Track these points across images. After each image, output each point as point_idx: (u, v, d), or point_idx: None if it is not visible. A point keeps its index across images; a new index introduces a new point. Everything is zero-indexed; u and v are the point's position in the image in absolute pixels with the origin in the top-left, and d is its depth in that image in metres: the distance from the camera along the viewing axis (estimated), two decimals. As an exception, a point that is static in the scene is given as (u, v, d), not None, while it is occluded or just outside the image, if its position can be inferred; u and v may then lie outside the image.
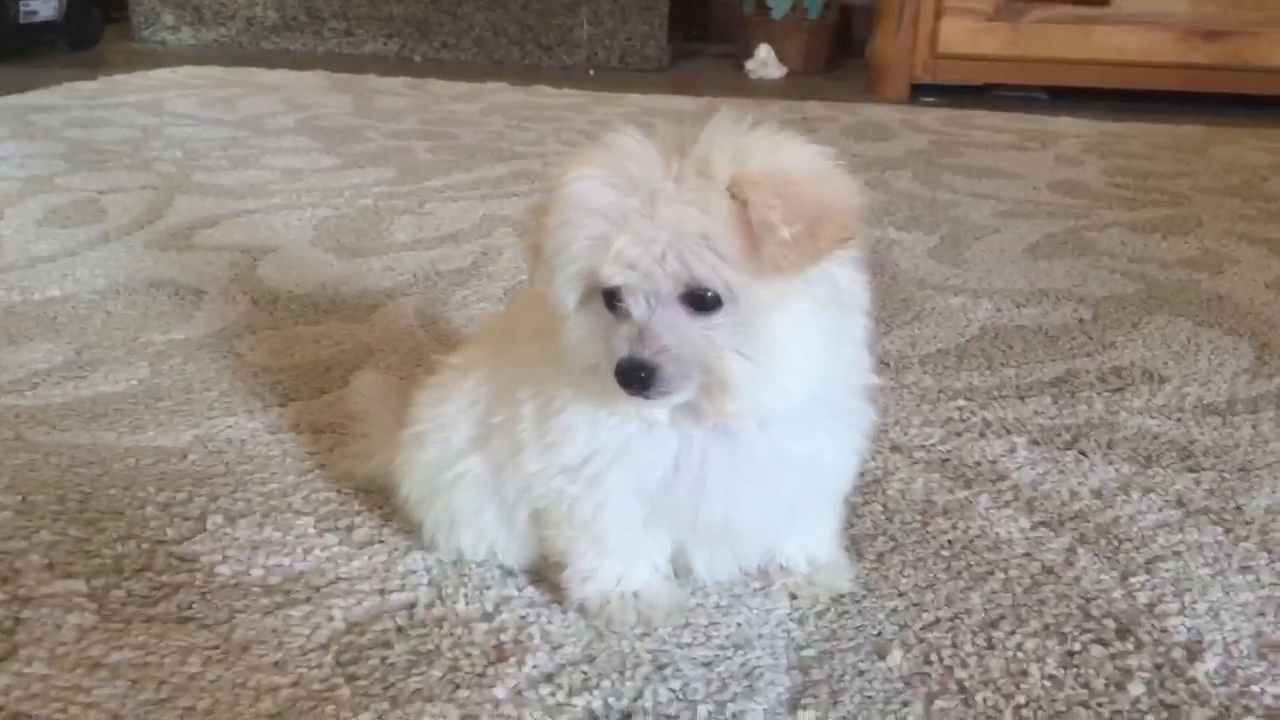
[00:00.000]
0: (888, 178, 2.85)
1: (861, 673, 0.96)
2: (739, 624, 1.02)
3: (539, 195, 0.93)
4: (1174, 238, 2.34)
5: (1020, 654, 0.98)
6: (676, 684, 0.94)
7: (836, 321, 0.92)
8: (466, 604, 1.04)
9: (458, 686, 0.93)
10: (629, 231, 0.83)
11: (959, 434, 1.41)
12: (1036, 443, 1.39)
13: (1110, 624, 1.03)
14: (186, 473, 1.27)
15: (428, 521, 1.10)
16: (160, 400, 1.45)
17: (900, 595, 1.07)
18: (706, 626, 1.02)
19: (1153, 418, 1.47)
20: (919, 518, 1.21)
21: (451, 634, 0.99)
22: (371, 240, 2.18)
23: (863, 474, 1.27)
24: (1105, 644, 1.00)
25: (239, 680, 0.92)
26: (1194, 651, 0.99)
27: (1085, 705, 0.92)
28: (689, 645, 0.99)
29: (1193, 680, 0.95)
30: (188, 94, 3.81)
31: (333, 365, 1.57)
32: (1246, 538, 1.18)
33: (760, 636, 1.01)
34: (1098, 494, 1.27)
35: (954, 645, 0.99)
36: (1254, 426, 1.44)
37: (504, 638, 0.99)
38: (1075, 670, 0.96)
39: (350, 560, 1.10)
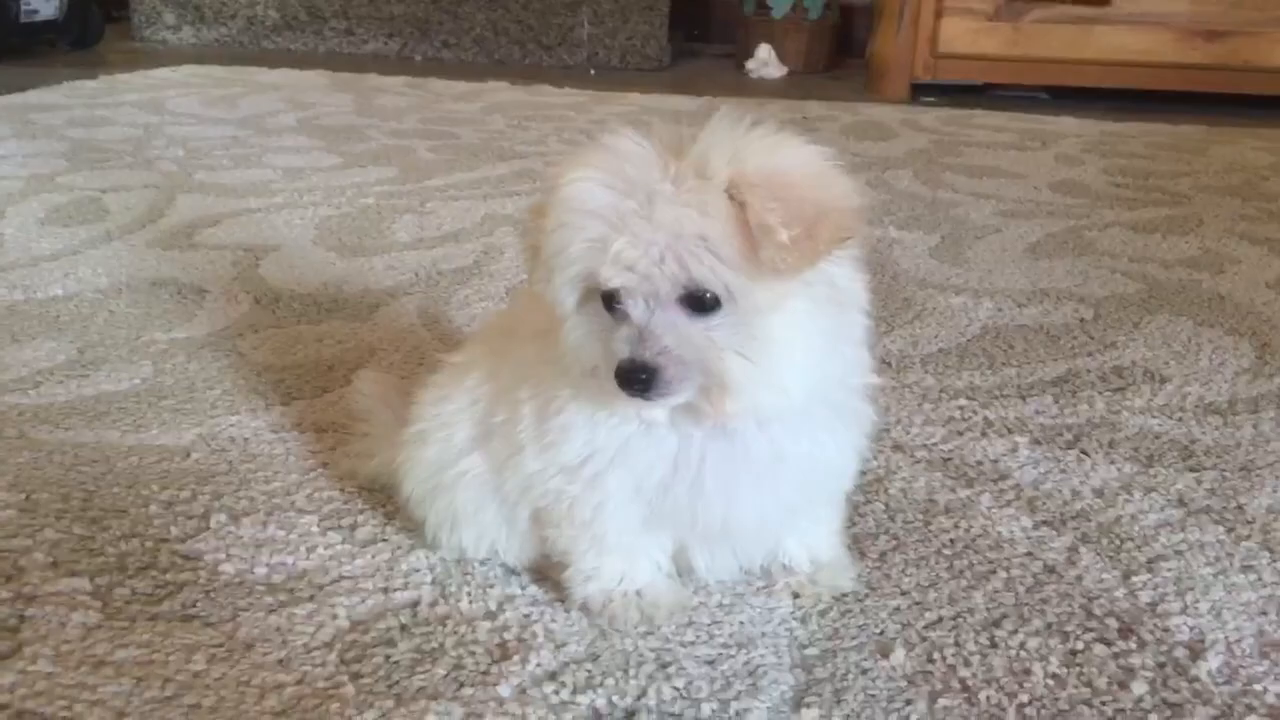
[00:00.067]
0: (888, 177, 2.85)
1: (865, 671, 0.96)
2: (742, 622, 1.02)
3: (537, 196, 0.92)
4: (1175, 237, 2.34)
5: (1023, 653, 0.98)
6: (680, 682, 0.94)
7: (835, 321, 0.92)
8: (470, 602, 1.04)
9: (462, 685, 0.93)
10: (627, 233, 0.84)
11: (961, 433, 1.41)
12: (1038, 442, 1.39)
13: (1113, 623, 1.03)
14: (190, 471, 1.27)
15: (430, 520, 1.10)
16: (163, 399, 1.45)
17: (903, 594, 1.07)
18: (709, 625, 1.02)
19: (1154, 417, 1.47)
20: (921, 517, 1.21)
21: (455, 632, 1.00)
22: (373, 239, 2.18)
23: (865, 473, 1.28)
24: (1108, 643, 1.00)
25: (244, 678, 0.93)
26: (1196, 650, 0.99)
27: (1088, 704, 0.92)
28: (692, 644, 0.99)
29: (1195, 679, 0.95)
30: (189, 93, 3.81)
31: (335, 364, 1.58)
32: (1248, 537, 1.18)
33: (763, 635, 1.01)
34: (1099, 493, 1.27)
35: (957, 644, 1.00)
36: (1255, 426, 1.45)
37: (508, 636, 0.99)
38: (1078, 669, 0.96)
39: (354, 558, 1.11)
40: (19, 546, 1.10)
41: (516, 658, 0.96)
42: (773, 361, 0.87)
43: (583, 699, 0.92)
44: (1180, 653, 0.99)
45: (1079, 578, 1.10)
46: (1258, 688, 0.95)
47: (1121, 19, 4.04)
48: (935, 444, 1.38)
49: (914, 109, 3.99)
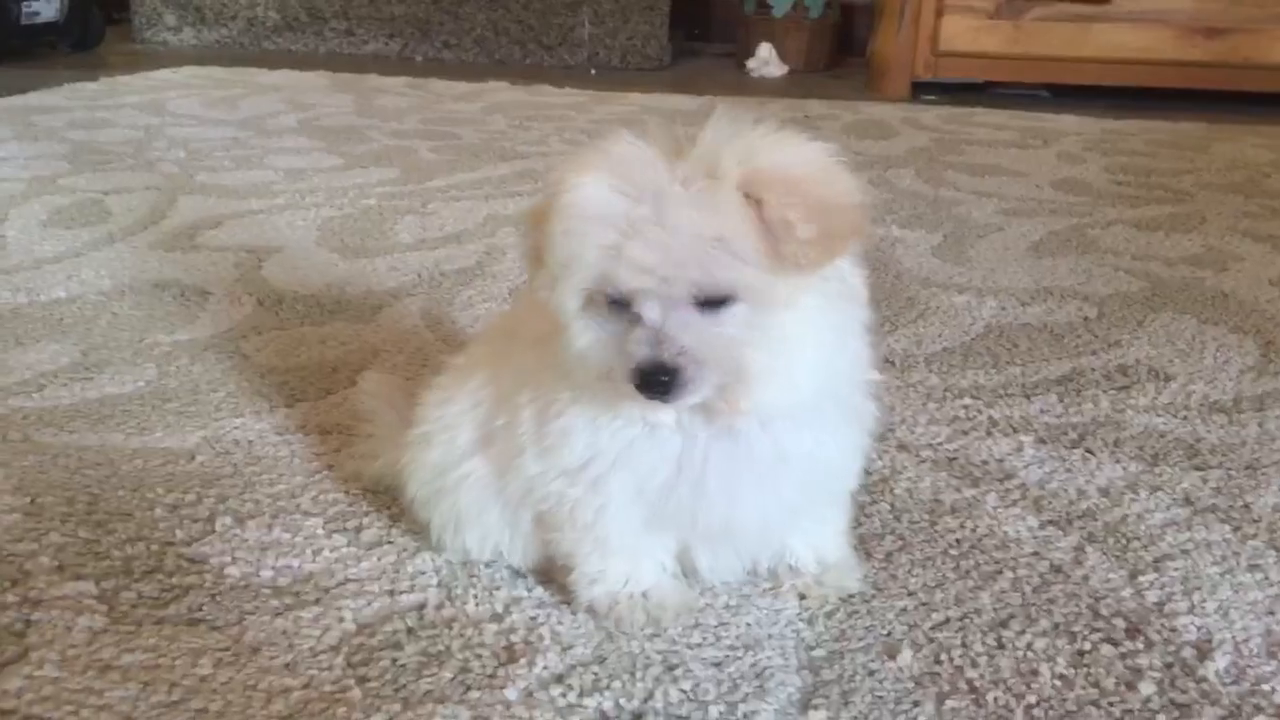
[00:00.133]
0: (890, 176, 2.85)
1: (872, 673, 0.96)
2: (748, 624, 1.02)
3: (536, 199, 0.91)
4: (1177, 235, 2.34)
5: (1030, 653, 0.98)
6: (687, 684, 0.94)
7: (843, 316, 0.92)
8: (476, 605, 1.04)
9: (469, 688, 0.93)
10: (642, 237, 0.83)
11: (965, 433, 1.41)
12: (1043, 441, 1.39)
13: (1120, 623, 1.03)
14: (195, 474, 1.27)
15: (434, 522, 1.10)
16: (167, 401, 1.45)
17: (909, 595, 1.07)
18: (716, 627, 1.02)
19: (1159, 416, 1.47)
20: (927, 517, 1.21)
21: (462, 635, 1.00)
22: (375, 240, 2.18)
23: (870, 473, 1.28)
24: (1115, 643, 1.00)
25: (250, 682, 0.93)
26: (1204, 650, 0.99)
27: (1096, 705, 0.92)
28: (699, 646, 0.99)
29: (1203, 679, 0.95)
30: (190, 94, 3.81)
31: (339, 366, 1.57)
32: (1254, 536, 1.18)
33: (770, 637, 1.01)
34: (1105, 492, 1.27)
35: (964, 645, 0.99)
36: (1260, 424, 1.45)
37: (514, 639, 0.99)
38: (1086, 669, 0.96)
39: (359, 561, 1.11)
40: (24, 550, 1.10)
41: (523, 660, 0.96)
42: (789, 357, 0.88)
43: (590, 702, 0.91)
44: (1188, 653, 0.99)
45: (1085, 578, 1.10)
46: (1266, 687, 0.95)
47: (1122, 16, 4.04)
48: (940, 443, 1.38)
49: (915, 107, 3.99)
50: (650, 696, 0.92)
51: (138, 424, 1.39)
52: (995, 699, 0.93)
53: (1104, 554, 1.14)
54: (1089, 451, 1.36)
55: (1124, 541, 1.16)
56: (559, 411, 0.96)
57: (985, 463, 1.33)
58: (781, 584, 1.07)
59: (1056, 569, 1.11)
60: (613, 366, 0.88)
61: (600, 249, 0.84)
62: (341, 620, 1.01)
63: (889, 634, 1.01)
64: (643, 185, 0.84)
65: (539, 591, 1.06)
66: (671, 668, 0.96)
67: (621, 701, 0.92)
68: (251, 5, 5.17)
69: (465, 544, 1.09)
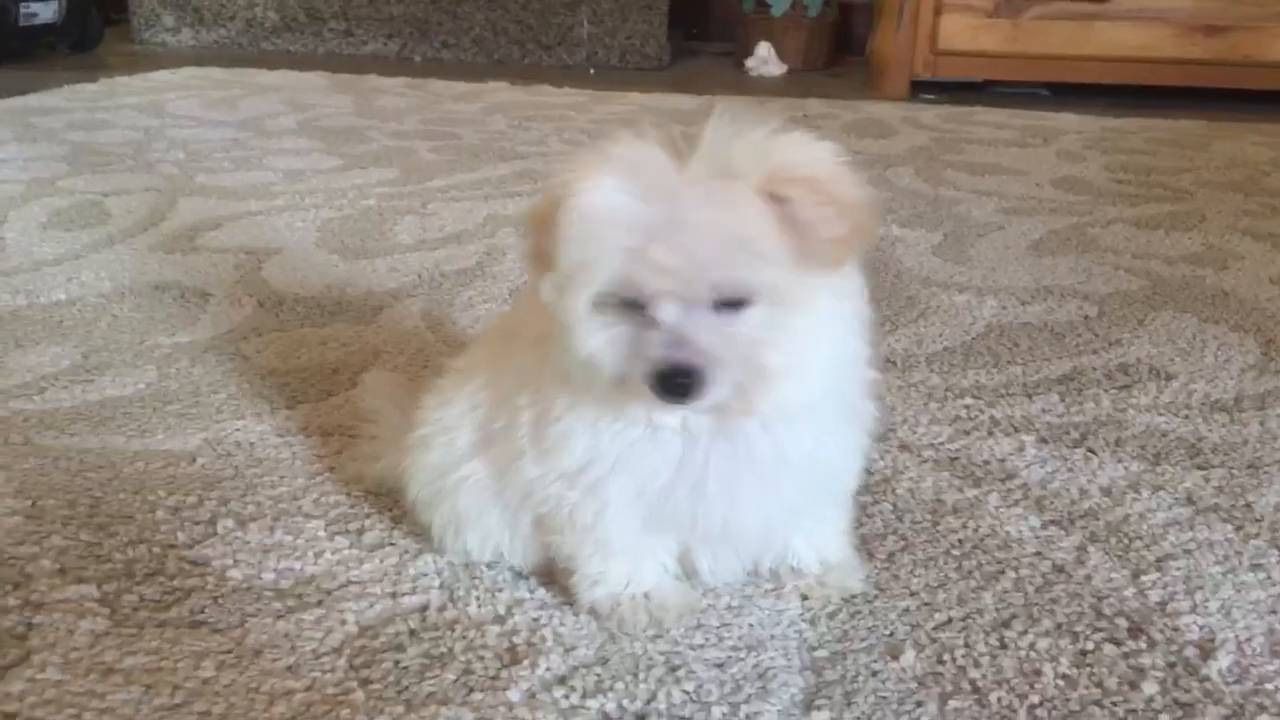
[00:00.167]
0: (890, 175, 2.85)
1: (875, 673, 0.96)
2: (751, 625, 1.02)
3: (537, 202, 0.91)
4: (1177, 233, 2.34)
5: (1033, 653, 0.98)
6: (690, 686, 0.94)
7: (850, 313, 0.92)
8: (479, 606, 1.04)
9: (471, 690, 0.93)
10: (663, 240, 0.82)
11: (967, 432, 1.41)
12: (1045, 441, 1.39)
13: (1122, 623, 1.03)
14: (196, 476, 1.27)
15: (435, 524, 1.10)
16: (168, 404, 1.45)
17: (912, 595, 1.07)
18: (719, 628, 1.02)
19: (1160, 415, 1.47)
20: (929, 517, 1.21)
21: (464, 637, 0.99)
22: (375, 241, 2.18)
23: (872, 473, 1.28)
24: (1118, 643, 1.00)
25: (253, 685, 0.92)
26: (1207, 650, 0.99)
27: (1099, 704, 0.92)
28: (701, 647, 0.99)
29: (1206, 679, 0.95)
30: (188, 95, 3.81)
31: (340, 367, 1.57)
32: (1257, 535, 1.18)
33: (773, 637, 1.01)
34: (1107, 492, 1.27)
35: (967, 645, 0.99)
36: (1261, 423, 1.44)
37: (517, 640, 0.99)
38: (1089, 669, 0.96)
39: (361, 563, 1.10)
40: (26, 554, 1.10)
41: (526, 662, 0.96)
42: (806, 356, 0.88)
43: (592, 703, 0.91)
44: (1190, 652, 0.99)
45: (1088, 577, 1.10)
46: (1269, 686, 0.94)
47: (1121, 15, 4.04)
48: (942, 443, 1.38)
49: (914, 106, 3.99)
50: (653, 698, 0.92)
51: (139, 426, 1.39)
52: (998, 699, 0.93)
53: (1106, 554, 1.14)
54: (1091, 451, 1.36)
55: (1126, 541, 1.16)
56: (558, 415, 0.96)
57: (987, 462, 1.33)
58: (784, 585, 1.07)
59: (1059, 569, 1.11)
60: (626, 369, 0.87)
61: (618, 251, 0.83)
62: (344, 622, 1.01)
63: (892, 634, 1.01)
64: (657, 186, 0.83)
65: (541, 593, 1.06)
66: (674, 669, 0.96)
67: (624, 703, 0.92)
68: (250, 6, 5.18)
69: (466, 546, 1.09)
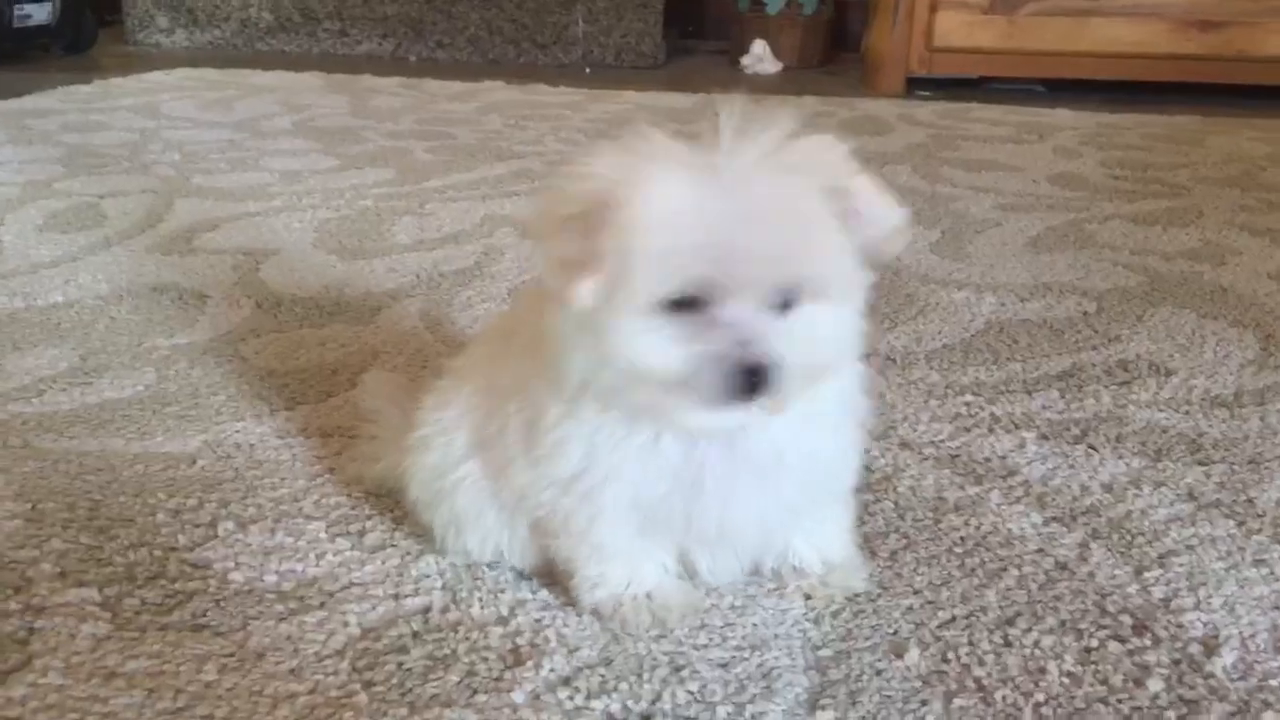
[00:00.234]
0: (887, 172, 2.85)
1: (879, 672, 0.95)
2: (755, 624, 1.02)
3: (561, 202, 0.86)
4: (1175, 229, 2.34)
5: (1038, 651, 0.98)
6: (694, 686, 0.93)
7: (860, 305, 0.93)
8: (481, 608, 1.04)
9: (475, 691, 0.92)
10: (734, 236, 0.81)
11: (968, 429, 1.41)
12: (1045, 437, 1.39)
13: (1126, 620, 1.02)
14: (196, 479, 1.26)
15: (436, 524, 1.10)
16: (167, 406, 1.45)
17: (915, 593, 1.07)
18: (722, 628, 1.01)
19: (1161, 411, 1.46)
20: (931, 514, 1.21)
21: (467, 638, 0.99)
22: (373, 242, 2.18)
23: (873, 471, 1.28)
24: (1122, 640, 0.99)
25: (255, 688, 0.92)
26: (1211, 646, 0.99)
27: (1104, 702, 0.92)
28: (705, 647, 0.99)
29: (1211, 675, 0.95)
30: (184, 96, 3.80)
31: (339, 368, 1.57)
32: (1259, 530, 1.18)
33: (776, 637, 1.00)
34: (1108, 488, 1.27)
35: (971, 643, 0.99)
36: (1262, 418, 1.44)
37: (520, 641, 0.99)
38: (1093, 667, 0.96)
39: (363, 565, 1.10)
40: (26, 557, 1.09)
41: (530, 663, 0.96)
42: (844, 352, 0.90)
43: (597, 704, 0.91)
44: (1195, 649, 0.99)
45: (1091, 574, 1.10)
46: (1274, 683, 0.94)
47: (1116, 10, 4.04)
48: (943, 441, 1.38)
49: (910, 103, 3.99)
50: (658, 698, 0.92)
51: (138, 429, 1.38)
52: (1003, 697, 0.93)
53: (1109, 550, 1.14)
54: (1091, 447, 1.36)
55: (1128, 538, 1.16)
56: (552, 423, 0.95)
57: (988, 459, 1.33)
58: (787, 584, 1.07)
59: (1062, 566, 1.11)
60: (686, 371, 0.84)
61: (689, 249, 0.81)
62: (346, 625, 1.00)
63: (895, 633, 1.01)
64: (724, 182, 0.82)
65: (544, 594, 1.06)
66: (678, 669, 0.95)
67: (629, 703, 0.91)
68: (244, 6, 5.16)
69: (467, 546, 1.09)
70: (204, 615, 1.02)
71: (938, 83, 4.23)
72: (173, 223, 2.28)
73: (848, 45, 5.13)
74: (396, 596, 1.05)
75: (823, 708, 0.91)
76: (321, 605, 1.03)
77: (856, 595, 1.06)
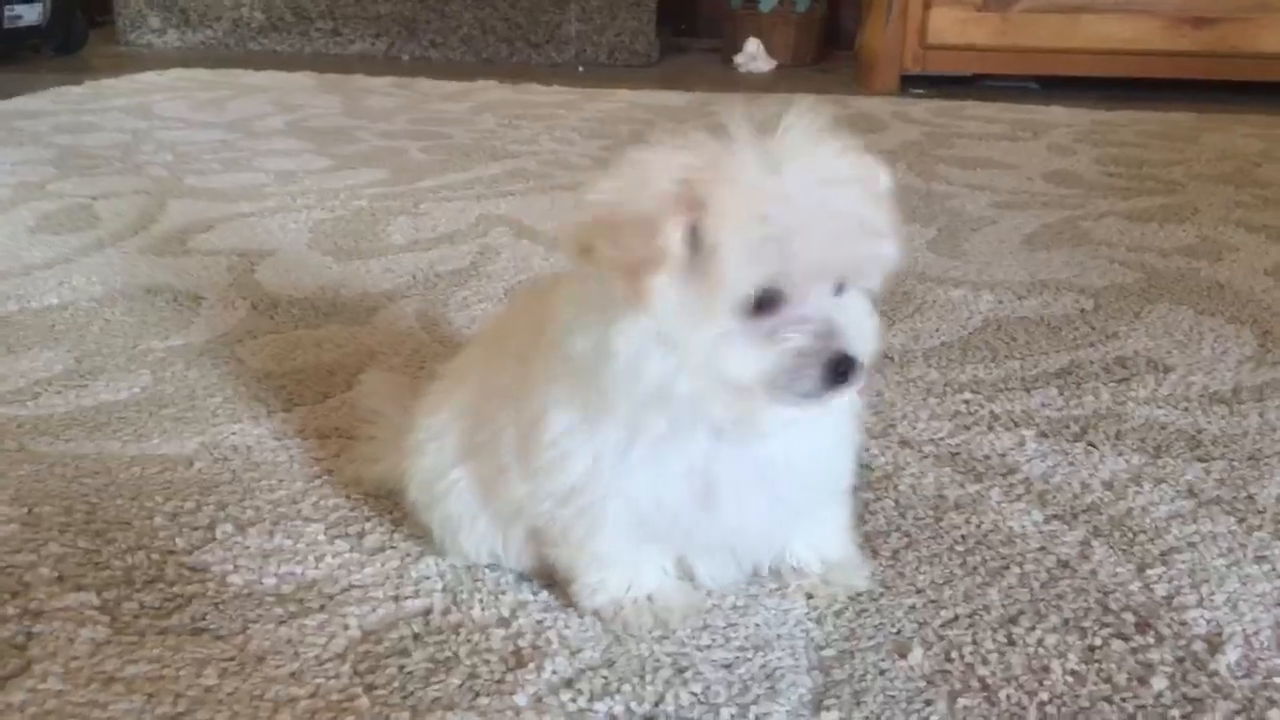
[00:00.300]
0: (882, 170, 2.84)
1: (883, 672, 0.95)
2: (757, 625, 1.02)
3: (625, 205, 0.82)
4: (1171, 226, 2.34)
5: (1041, 650, 0.98)
6: (697, 687, 0.93)
7: None
8: (482, 609, 1.03)
9: (477, 694, 0.92)
10: (819, 227, 0.82)
11: (967, 427, 1.41)
12: (1045, 435, 1.39)
13: (1129, 617, 1.02)
14: (193, 481, 1.25)
15: (433, 526, 1.09)
16: (164, 408, 1.44)
17: (917, 592, 1.06)
18: (725, 628, 1.01)
19: (1160, 407, 1.46)
20: (932, 513, 1.21)
21: (469, 640, 0.99)
22: (368, 242, 2.17)
23: (873, 469, 1.28)
24: (1125, 638, 0.99)
25: (256, 692, 0.92)
26: (1214, 644, 0.98)
27: (1109, 701, 0.92)
28: (708, 647, 0.98)
29: (1215, 673, 0.95)
30: (176, 97, 3.79)
31: (335, 369, 1.56)
32: (1260, 527, 1.18)
33: (779, 637, 1.00)
34: (1109, 485, 1.27)
35: (974, 642, 0.99)
36: (1260, 415, 1.44)
37: (522, 643, 0.98)
38: (1097, 665, 0.96)
39: (363, 567, 1.10)
40: (23, 562, 1.08)
41: (532, 665, 0.95)
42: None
43: (600, 706, 0.91)
44: (1198, 646, 0.98)
45: (1093, 572, 1.09)
46: (1278, 680, 0.94)
47: (1109, 7, 4.04)
48: (942, 438, 1.38)
49: (904, 101, 3.99)
50: (661, 700, 0.92)
51: (134, 431, 1.37)
52: (1008, 696, 0.92)
53: (1110, 548, 1.14)
54: (1091, 445, 1.36)
55: (1130, 535, 1.16)
56: (554, 435, 0.94)
57: (988, 457, 1.33)
58: (788, 584, 1.06)
59: (1064, 564, 1.11)
60: (773, 373, 0.84)
61: (774, 240, 0.81)
62: (347, 627, 1.00)
63: (899, 632, 1.01)
64: (785, 174, 0.82)
65: (545, 595, 1.06)
66: (681, 670, 0.95)
67: (632, 705, 0.91)
68: (236, 6, 5.15)
69: (463, 549, 1.08)
70: (203, 619, 1.01)
71: (932, 80, 4.23)
72: (166, 224, 2.27)
73: (841, 43, 5.13)
74: (397, 598, 1.04)
75: (827, 708, 0.90)
76: (321, 608, 1.03)
77: (859, 594, 1.06)
